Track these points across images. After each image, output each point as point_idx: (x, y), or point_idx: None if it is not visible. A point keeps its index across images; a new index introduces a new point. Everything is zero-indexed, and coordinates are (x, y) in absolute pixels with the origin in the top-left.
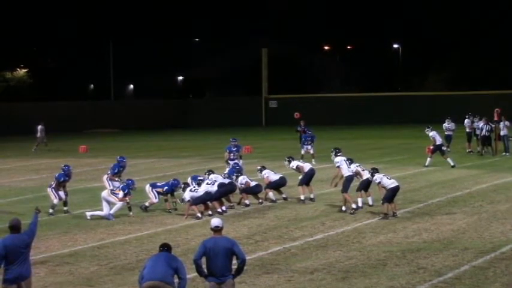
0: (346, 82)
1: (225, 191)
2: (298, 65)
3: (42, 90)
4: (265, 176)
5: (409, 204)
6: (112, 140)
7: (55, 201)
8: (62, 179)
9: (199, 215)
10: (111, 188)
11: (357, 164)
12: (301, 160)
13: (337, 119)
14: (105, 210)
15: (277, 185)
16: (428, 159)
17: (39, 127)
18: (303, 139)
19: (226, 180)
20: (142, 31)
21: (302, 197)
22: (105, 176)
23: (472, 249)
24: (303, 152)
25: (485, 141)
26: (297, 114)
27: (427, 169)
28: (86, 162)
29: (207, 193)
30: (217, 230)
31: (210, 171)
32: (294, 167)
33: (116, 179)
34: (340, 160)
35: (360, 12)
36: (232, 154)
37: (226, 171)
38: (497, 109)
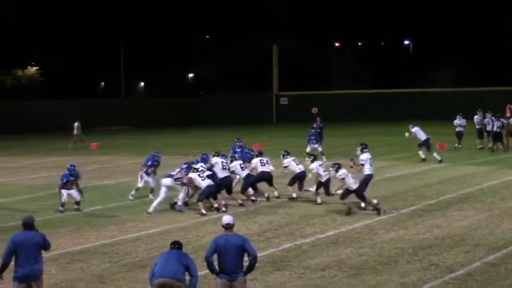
0: (357, 79)
1: (221, 185)
2: (309, 61)
3: (53, 88)
4: (252, 164)
5: (420, 200)
6: (123, 137)
7: (62, 199)
8: (65, 179)
9: (203, 211)
10: (144, 182)
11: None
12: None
13: (348, 115)
14: (163, 195)
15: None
16: (420, 152)
17: (76, 124)
18: (308, 137)
19: (224, 173)
20: (152, 29)
21: (294, 195)
22: (140, 172)
23: (483, 246)
24: (308, 149)
25: (497, 137)
26: (314, 110)
27: (437, 165)
28: (98, 159)
29: (208, 187)
30: (228, 227)
31: (217, 153)
32: (285, 164)
33: (150, 172)
34: (365, 158)
35: (371, 8)
36: (236, 154)
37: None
38: (509, 105)
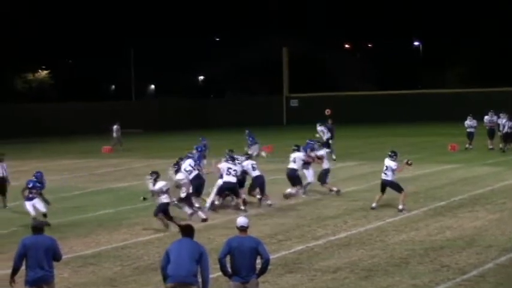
0: (367, 80)
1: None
2: (319, 63)
3: (63, 92)
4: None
5: (431, 201)
6: (134, 140)
7: (31, 215)
8: (32, 184)
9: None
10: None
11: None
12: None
13: (358, 117)
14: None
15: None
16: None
17: (115, 127)
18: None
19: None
20: (163, 32)
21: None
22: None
23: (495, 247)
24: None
25: (507, 138)
26: (328, 111)
27: (448, 167)
28: (110, 162)
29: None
30: (243, 229)
31: (230, 151)
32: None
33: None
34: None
35: (380, 9)
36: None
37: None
38: None
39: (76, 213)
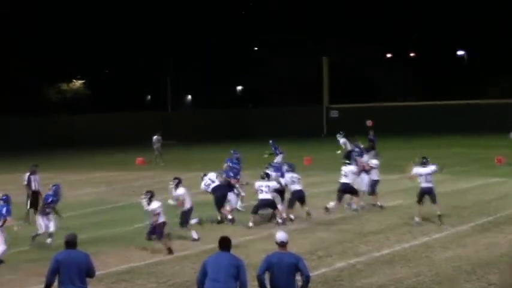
0: (409, 90)
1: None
2: (360, 73)
3: (98, 102)
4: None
5: (477, 217)
6: (170, 152)
7: (40, 230)
8: (50, 199)
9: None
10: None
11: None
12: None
13: (400, 128)
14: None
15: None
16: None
17: (155, 137)
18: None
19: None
20: (200, 40)
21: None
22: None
23: None
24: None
25: None
26: (369, 122)
27: (492, 180)
28: (144, 174)
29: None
30: (282, 245)
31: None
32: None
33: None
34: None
35: (423, 19)
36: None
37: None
38: None
39: (109, 227)
